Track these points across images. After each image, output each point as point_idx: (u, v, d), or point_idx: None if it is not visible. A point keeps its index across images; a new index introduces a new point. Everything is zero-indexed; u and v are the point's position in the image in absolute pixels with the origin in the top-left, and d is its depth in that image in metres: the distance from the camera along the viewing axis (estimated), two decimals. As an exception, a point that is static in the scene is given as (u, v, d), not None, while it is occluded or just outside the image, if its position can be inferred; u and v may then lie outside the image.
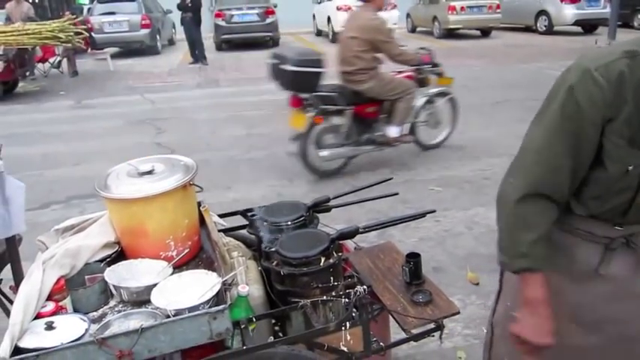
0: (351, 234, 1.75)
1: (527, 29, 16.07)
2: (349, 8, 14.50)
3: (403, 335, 1.69)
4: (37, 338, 1.34)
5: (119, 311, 1.52)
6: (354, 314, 1.58)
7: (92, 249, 1.66)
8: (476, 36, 15.76)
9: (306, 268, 1.57)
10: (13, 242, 1.80)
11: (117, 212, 1.69)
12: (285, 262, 1.59)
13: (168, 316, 1.38)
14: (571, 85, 1.15)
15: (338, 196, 2.10)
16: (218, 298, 1.44)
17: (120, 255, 1.73)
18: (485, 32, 15.77)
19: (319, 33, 17.46)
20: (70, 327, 1.38)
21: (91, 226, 1.77)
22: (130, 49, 14.52)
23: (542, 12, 15.22)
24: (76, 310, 1.52)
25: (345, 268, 1.83)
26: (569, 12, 14.47)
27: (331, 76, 4.91)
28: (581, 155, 1.19)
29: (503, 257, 1.28)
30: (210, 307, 1.41)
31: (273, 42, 14.97)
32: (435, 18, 15.73)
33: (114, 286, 1.55)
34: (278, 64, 4.41)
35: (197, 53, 12.31)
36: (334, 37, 15.20)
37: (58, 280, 1.51)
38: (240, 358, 1.43)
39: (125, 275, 1.61)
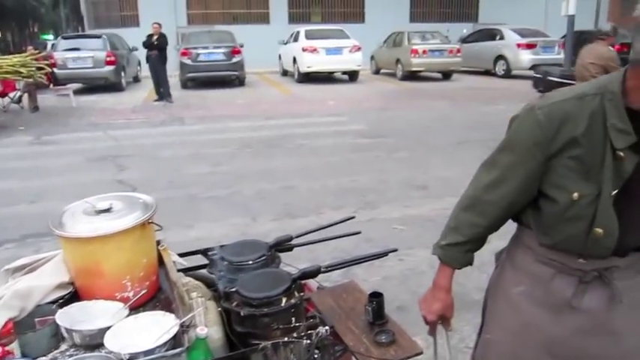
0: (313, 273, 1.73)
1: (487, 73, 16.65)
2: (314, 49, 14.83)
3: (366, 377, 1.66)
4: (-21, 386, 1.26)
5: (70, 356, 1.45)
6: (315, 356, 1.55)
7: (44, 290, 1.59)
8: (437, 79, 16.22)
9: (267, 308, 1.54)
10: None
11: (72, 251, 1.64)
12: (246, 302, 1.56)
13: (123, 360, 1.32)
14: (517, 121, 1.28)
15: (300, 235, 2.08)
16: (175, 341, 1.39)
17: (74, 296, 1.66)
18: (447, 75, 16.26)
19: (285, 73, 17.70)
20: (17, 373, 1.31)
21: (43, 265, 1.70)
22: (93, 86, 14.40)
23: (501, 57, 15.86)
24: (24, 355, 1.45)
25: (308, 308, 1.80)
26: (526, 57, 15.09)
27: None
28: (522, 186, 1.29)
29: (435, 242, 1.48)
30: (167, 350, 1.36)
31: (239, 81, 15.09)
32: (398, 60, 16.16)
33: (66, 329, 1.48)
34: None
35: (162, 91, 12.28)
36: (300, 77, 15.43)
37: (6, 322, 1.44)
38: (198, 404, 1.38)
39: (78, 317, 1.54)
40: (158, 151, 7.43)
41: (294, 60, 15.64)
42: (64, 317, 1.51)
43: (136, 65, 16.70)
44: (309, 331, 1.60)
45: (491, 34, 16.45)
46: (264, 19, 20.95)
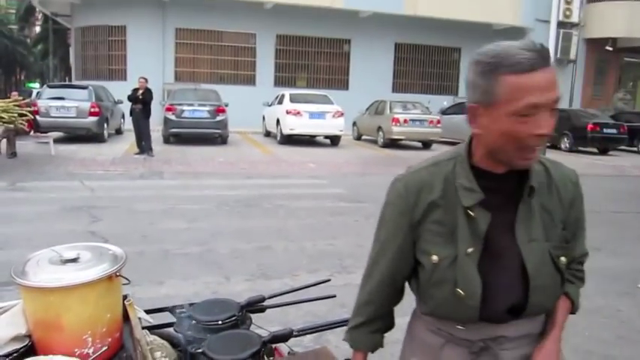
0: (284, 337, 1.67)
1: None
2: (298, 113, 15.08)
3: None
4: None
5: (19, 415, 1.35)
6: None
7: (-2, 342, 1.50)
8: (417, 147, 16.53)
9: (234, 372, 1.47)
10: None
11: (32, 302, 1.56)
12: (212, 365, 1.48)
13: (74, 423, 1.23)
14: (387, 193, 1.36)
15: (273, 296, 2.02)
16: (134, 404, 1.31)
17: (29, 350, 1.56)
18: (426, 144, 16.59)
19: (268, 134, 17.89)
20: None
21: (0, 316, 1.61)
22: (75, 135, 14.35)
23: (479, 130, 16.28)
24: (-32, 413, 1.35)
25: (277, 374, 1.72)
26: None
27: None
28: (397, 257, 1.32)
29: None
30: (123, 413, 1.27)
31: (222, 139, 15.18)
32: (379, 128, 16.48)
33: (17, 385, 1.39)
34: None
35: (144, 144, 12.28)
36: (282, 139, 15.60)
37: (-47, 376, 1.34)
38: None
39: (32, 374, 1.45)
40: (134, 204, 7.33)
41: (278, 122, 15.86)
42: (16, 373, 1.41)
43: (119, 118, 16.76)
44: (276, 399, 1.53)
45: (470, 108, 16.96)
46: (250, 80, 21.36)
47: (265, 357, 1.54)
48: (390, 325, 1.46)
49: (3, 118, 9.14)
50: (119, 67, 20.31)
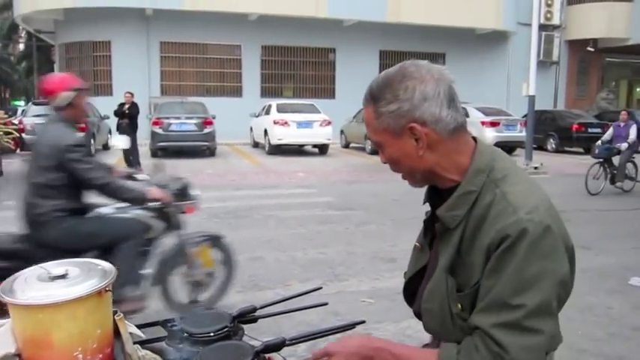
0: (277, 346, 1.66)
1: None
2: (285, 122, 15.10)
3: None
4: None
5: None
6: None
7: (-13, 362, 1.48)
8: (405, 153, 16.57)
9: (227, 384, 1.46)
10: None
11: (20, 320, 1.54)
12: (205, 377, 1.47)
13: None
14: None
15: (265, 306, 2.01)
16: (127, 420, 1.30)
17: (19, 369, 1.55)
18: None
19: (256, 145, 17.89)
20: None
21: (-11, 336, 1.59)
22: (61, 152, 14.24)
23: (466, 134, 16.40)
24: None
25: (271, 384, 1.71)
26: (490, 134, 15.64)
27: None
28: None
29: None
30: None
31: (210, 151, 15.16)
32: (366, 135, 16.50)
33: (7, 406, 1.37)
34: None
35: (132, 159, 12.22)
36: (270, 149, 15.60)
37: (-59, 399, 1.32)
38: None
39: (22, 393, 1.43)
40: (123, 219, 7.27)
41: (266, 132, 15.87)
42: (6, 393, 1.40)
43: (106, 133, 16.66)
44: (271, 409, 1.52)
45: (456, 112, 17.09)
46: (236, 92, 21.37)
47: (258, 367, 1.53)
48: None
49: (-12, 137, 9.06)
50: (105, 82, 20.25)
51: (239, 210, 8.04)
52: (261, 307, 1.98)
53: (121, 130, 12.34)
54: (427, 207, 1.33)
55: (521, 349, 1.02)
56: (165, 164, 4.38)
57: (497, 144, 15.78)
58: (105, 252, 3.29)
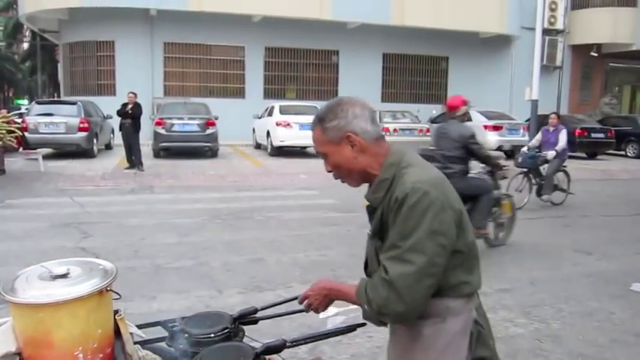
0: (278, 348, 1.66)
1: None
2: (288, 124, 15.09)
3: None
4: None
5: None
6: None
7: (-13, 361, 1.48)
8: (408, 156, 16.55)
9: (227, 385, 1.46)
10: None
11: (22, 319, 1.54)
12: (205, 378, 1.47)
13: None
14: None
15: (266, 307, 2.02)
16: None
17: (20, 368, 1.54)
18: (417, 153, 16.64)
19: (258, 146, 17.88)
20: None
21: (-11, 334, 1.59)
22: (64, 151, 14.27)
23: (469, 137, 16.39)
24: None
25: (271, 386, 1.70)
26: (493, 138, 15.62)
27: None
28: None
29: None
30: None
31: (212, 152, 15.16)
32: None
33: (7, 404, 1.37)
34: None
35: (134, 159, 12.23)
36: (273, 151, 15.60)
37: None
38: None
39: (22, 392, 1.43)
40: (125, 219, 7.29)
41: (268, 134, 15.86)
42: (6, 391, 1.40)
43: (109, 133, 16.69)
44: (271, 411, 1.52)
45: (459, 116, 17.07)
46: (239, 93, 21.37)
47: (259, 369, 1.53)
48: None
49: (-9, 135, 9.08)
50: (108, 82, 20.27)
51: (241, 211, 8.04)
52: (262, 309, 1.98)
53: (123, 130, 12.35)
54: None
55: (398, 275, 1.46)
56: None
57: (500, 148, 15.83)
58: (471, 199, 5.55)
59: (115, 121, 13.76)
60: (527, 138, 14.76)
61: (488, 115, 16.50)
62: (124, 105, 12.30)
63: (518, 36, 22.49)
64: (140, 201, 8.84)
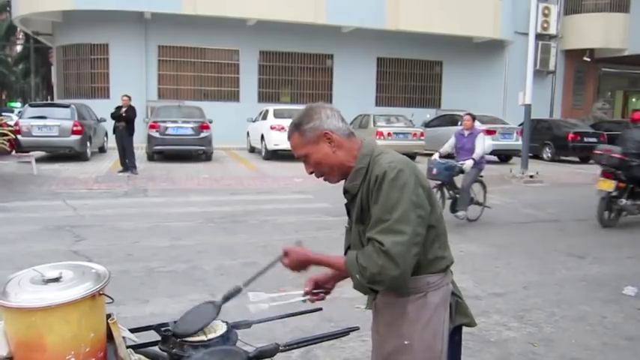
0: (271, 352, 1.66)
1: (448, 156, 17.13)
2: (282, 128, 15.08)
3: None
4: None
5: None
6: None
7: (-22, 365, 1.47)
8: (402, 160, 16.56)
9: (220, 389, 1.45)
10: None
11: (13, 323, 1.53)
12: (198, 382, 1.47)
13: None
14: None
15: (248, 283, 2.04)
16: None
17: (11, 372, 1.53)
18: (411, 157, 16.48)
19: (252, 150, 17.87)
20: None
21: (-19, 338, 1.58)
22: (57, 154, 14.21)
23: (462, 142, 16.40)
24: None
25: (264, 390, 1.70)
26: (486, 143, 15.62)
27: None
28: None
29: None
30: None
31: (206, 156, 15.13)
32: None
33: (-2, 409, 1.36)
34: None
35: (127, 162, 12.18)
36: (267, 154, 15.59)
37: None
38: None
39: (13, 396, 1.42)
40: (118, 223, 7.26)
41: (262, 137, 15.85)
42: (-3, 396, 1.39)
43: (102, 136, 16.63)
44: (264, 415, 1.51)
45: (452, 120, 17.07)
46: (234, 96, 21.35)
47: (252, 373, 1.53)
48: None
49: (-16, 138, 9.03)
50: (102, 85, 20.20)
51: (234, 215, 8.03)
52: (245, 285, 2.01)
53: (117, 133, 12.31)
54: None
55: (393, 243, 1.60)
56: None
57: (494, 152, 15.86)
58: None
59: (109, 124, 13.72)
60: (520, 142, 14.81)
61: (482, 119, 16.53)
62: (118, 108, 12.26)
63: (511, 41, 22.59)
64: (133, 204, 8.81)
